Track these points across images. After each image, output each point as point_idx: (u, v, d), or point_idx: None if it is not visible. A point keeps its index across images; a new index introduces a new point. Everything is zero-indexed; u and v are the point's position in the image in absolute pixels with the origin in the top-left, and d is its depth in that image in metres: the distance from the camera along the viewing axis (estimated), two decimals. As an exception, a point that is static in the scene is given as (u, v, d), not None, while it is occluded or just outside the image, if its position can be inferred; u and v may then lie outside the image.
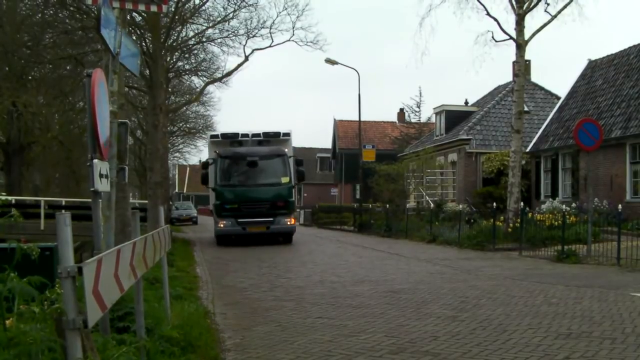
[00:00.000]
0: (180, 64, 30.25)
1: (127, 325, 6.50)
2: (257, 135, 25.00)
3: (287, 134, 25.18)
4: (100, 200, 5.73)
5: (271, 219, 23.49)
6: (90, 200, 5.67)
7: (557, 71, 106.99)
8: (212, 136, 26.31)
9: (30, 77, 27.79)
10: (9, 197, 26.92)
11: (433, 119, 43.46)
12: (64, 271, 3.20)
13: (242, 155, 23.90)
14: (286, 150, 24.35)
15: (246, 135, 25.01)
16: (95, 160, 5.33)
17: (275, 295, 11.34)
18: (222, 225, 23.64)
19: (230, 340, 7.65)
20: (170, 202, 49.70)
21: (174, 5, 20.41)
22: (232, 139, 24.89)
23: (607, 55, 29.49)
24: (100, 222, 5.65)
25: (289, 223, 23.98)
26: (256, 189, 23.44)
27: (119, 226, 11.25)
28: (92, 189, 5.39)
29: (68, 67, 24.16)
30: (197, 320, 7.83)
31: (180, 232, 34.76)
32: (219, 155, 23.78)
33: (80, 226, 17.57)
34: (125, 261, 4.67)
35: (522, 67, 22.13)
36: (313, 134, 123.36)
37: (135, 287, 5.81)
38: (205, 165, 25.10)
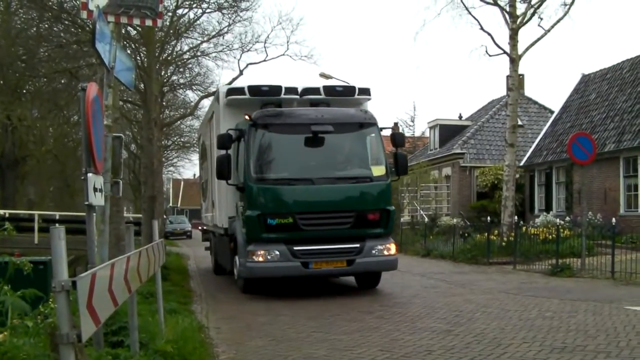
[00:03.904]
0: (174, 78, 30.34)
1: (121, 340, 6.48)
2: (313, 90, 14.07)
3: (366, 91, 14.36)
4: (94, 214, 5.74)
5: (356, 245, 12.57)
6: (84, 214, 5.66)
7: (551, 85, 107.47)
8: (231, 91, 14.28)
9: (24, 91, 27.77)
10: (3, 211, 26.92)
11: (427, 133, 43.55)
12: (58, 285, 3.20)
13: (298, 123, 12.87)
14: None
15: (293, 90, 13.96)
16: (90, 174, 5.34)
17: (269, 308, 11.31)
18: (260, 259, 12.32)
19: (224, 355, 7.62)
20: (165, 216, 49.60)
21: (168, 20, 20.48)
22: (267, 96, 13.71)
23: (601, 70, 29.63)
24: (94, 236, 5.66)
25: (386, 252, 12.93)
26: (328, 189, 12.65)
27: (113, 240, 11.24)
28: (86, 203, 5.40)
29: (63, 81, 24.14)
30: (191, 334, 7.81)
31: (175, 246, 34.65)
32: (254, 122, 12.73)
33: (74, 240, 17.35)
34: (120, 275, 4.67)
35: (515, 81, 22.25)
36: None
37: (129, 301, 5.80)
38: (226, 140, 13.07)
